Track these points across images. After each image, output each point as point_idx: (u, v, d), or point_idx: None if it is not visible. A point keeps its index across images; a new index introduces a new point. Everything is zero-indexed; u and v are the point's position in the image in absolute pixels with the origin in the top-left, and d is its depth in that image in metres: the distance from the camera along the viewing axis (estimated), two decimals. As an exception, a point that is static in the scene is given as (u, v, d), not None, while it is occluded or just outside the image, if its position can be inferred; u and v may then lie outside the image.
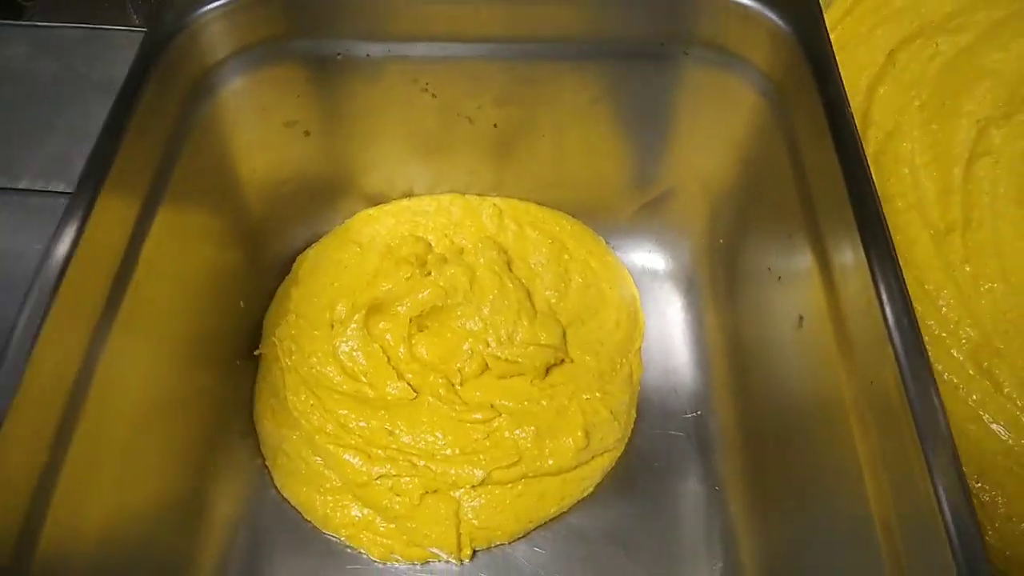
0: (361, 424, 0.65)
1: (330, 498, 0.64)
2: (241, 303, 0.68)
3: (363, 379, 0.68)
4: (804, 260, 0.52)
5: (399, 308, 0.69)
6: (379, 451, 0.64)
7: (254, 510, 0.64)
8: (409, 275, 0.71)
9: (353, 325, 0.68)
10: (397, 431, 0.65)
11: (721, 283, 0.70)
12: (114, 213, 0.50)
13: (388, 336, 0.69)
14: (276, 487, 0.65)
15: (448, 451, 0.64)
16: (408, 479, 0.63)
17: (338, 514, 0.63)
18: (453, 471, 0.63)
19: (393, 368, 0.68)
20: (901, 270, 0.43)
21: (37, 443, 0.43)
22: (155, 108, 0.55)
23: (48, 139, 0.78)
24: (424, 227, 0.76)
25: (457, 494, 0.63)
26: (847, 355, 0.46)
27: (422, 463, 0.63)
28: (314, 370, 0.68)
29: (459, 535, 0.62)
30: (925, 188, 0.69)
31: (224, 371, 0.67)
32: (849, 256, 0.46)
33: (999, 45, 0.77)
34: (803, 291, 0.52)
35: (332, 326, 0.70)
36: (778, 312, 0.57)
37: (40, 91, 0.76)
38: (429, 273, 0.71)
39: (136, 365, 0.52)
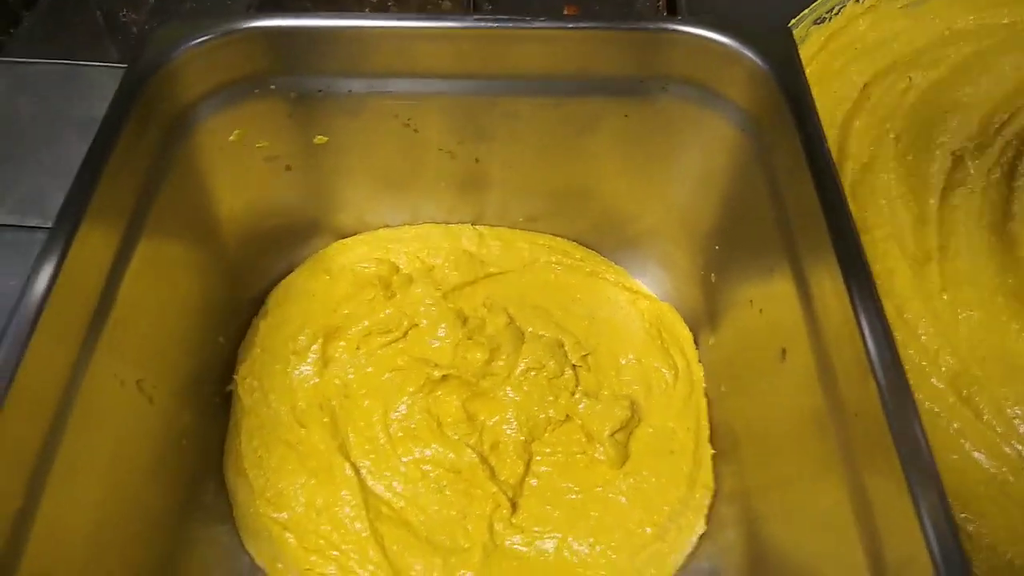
0: (301, 499, 0.62)
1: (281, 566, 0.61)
2: (220, 339, 0.68)
3: (315, 425, 0.65)
4: (786, 293, 0.53)
5: (355, 330, 0.68)
6: (316, 538, 0.61)
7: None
8: (371, 297, 0.70)
9: (311, 355, 0.67)
10: (344, 508, 0.62)
11: (703, 316, 0.70)
12: (93, 248, 0.49)
13: (345, 356, 0.68)
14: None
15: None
16: None
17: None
18: None
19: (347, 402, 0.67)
20: (881, 302, 0.44)
21: (12, 485, 0.43)
22: (134, 144, 0.54)
23: (24, 175, 0.78)
24: (396, 252, 0.75)
25: None
26: (830, 387, 0.46)
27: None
28: (271, 408, 0.66)
29: None
30: (902, 218, 0.70)
31: (204, 411, 0.65)
32: (829, 288, 0.47)
33: (969, 80, 0.79)
34: (785, 324, 0.53)
35: (290, 358, 0.68)
36: (761, 345, 0.57)
37: (17, 128, 0.76)
38: (394, 295, 0.71)
39: (114, 405, 0.51)
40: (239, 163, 0.65)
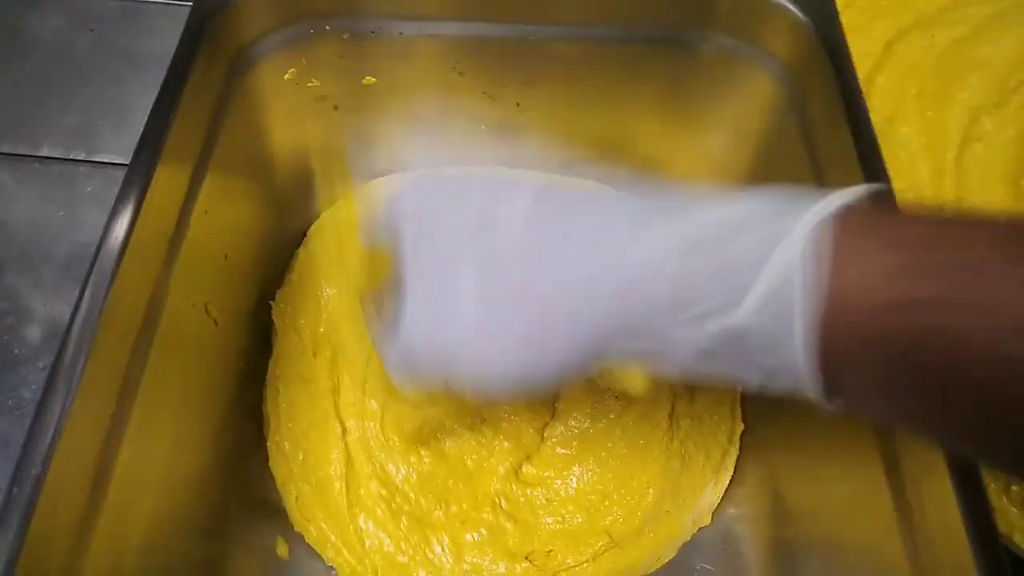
0: (299, 453, 0.63)
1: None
2: (272, 270, 0.71)
3: (323, 355, 0.66)
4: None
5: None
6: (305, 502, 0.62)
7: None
8: None
9: (340, 280, 0.69)
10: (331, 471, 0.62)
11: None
12: (170, 181, 0.52)
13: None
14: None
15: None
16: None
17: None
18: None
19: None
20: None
21: (107, 404, 0.46)
22: (202, 81, 0.57)
23: (73, 109, 0.80)
24: None
25: None
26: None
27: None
28: (297, 334, 0.68)
29: None
30: (921, 171, 0.73)
31: (260, 338, 0.69)
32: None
33: (990, 39, 0.81)
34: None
35: (321, 282, 0.70)
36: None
37: (71, 63, 0.77)
38: None
39: (187, 325, 0.55)
40: (292, 101, 0.68)
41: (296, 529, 0.62)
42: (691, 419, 0.66)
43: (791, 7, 0.60)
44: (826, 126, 0.57)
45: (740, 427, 0.67)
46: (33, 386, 0.64)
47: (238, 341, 0.64)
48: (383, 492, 0.61)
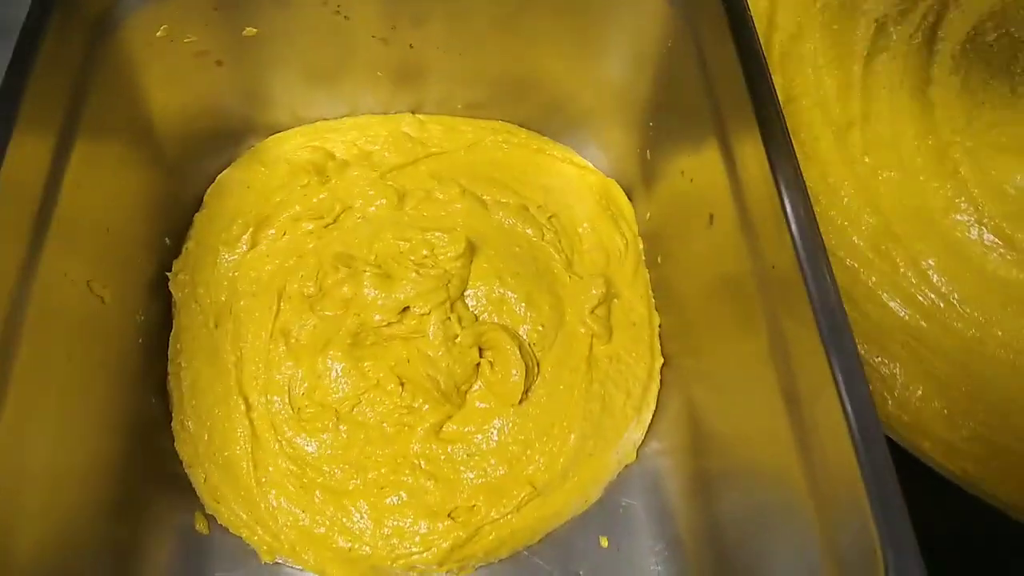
0: (204, 432, 0.61)
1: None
2: (167, 240, 0.68)
3: (224, 327, 0.65)
4: (713, 161, 0.55)
5: (285, 216, 0.68)
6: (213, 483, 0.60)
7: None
8: (305, 183, 0.70)
9: (241, 244, 0.67)
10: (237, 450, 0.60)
11: (641, 191, 0.73)
12: (29, 150, 0.50)
13: (268, 245, 0.67)
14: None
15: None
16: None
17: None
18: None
19: (276, 295, 0.65)
20: (798, 163, 0.46)
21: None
22: (58, 47, 0.53)
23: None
24: (332, 141, 0.74)
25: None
26: (751, 245, 0.49)
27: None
28: (198, 304, 0.66)
29: None
30: (827, 86, 0.72)
31: (161, 311, 0.67)
32: (751, 153, 0.49)
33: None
34: (712, 190, 0.55)
35: (220, 248, 0.68)
36: (691, 212, 0.60)
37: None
38: (328, 180, 0.70)
39: (67, 304, 0.53)
40: (168, 60, 0.64)
41: (208, 510, 0.61)
42: (609, 359, 0.66)
43: (674, -77, 0.57)
44: (716, 48, 0.55)
45: (659, 361, 0.66)
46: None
47: (135, 316, 0.62)
48: (292, 468, 0.60)
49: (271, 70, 0.70)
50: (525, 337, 0.64)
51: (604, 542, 0.61)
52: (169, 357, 0.65)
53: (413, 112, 0.76)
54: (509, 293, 0.65)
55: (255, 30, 0.66)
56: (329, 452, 0.61)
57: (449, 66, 0.72)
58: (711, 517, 0.56)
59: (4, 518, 0.45)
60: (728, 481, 0.56)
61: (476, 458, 0.61)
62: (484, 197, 0.71)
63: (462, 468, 0.61)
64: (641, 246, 0.72)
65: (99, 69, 0.58)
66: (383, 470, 0.60)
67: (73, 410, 0.53)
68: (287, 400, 0.62)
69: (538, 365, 0.64)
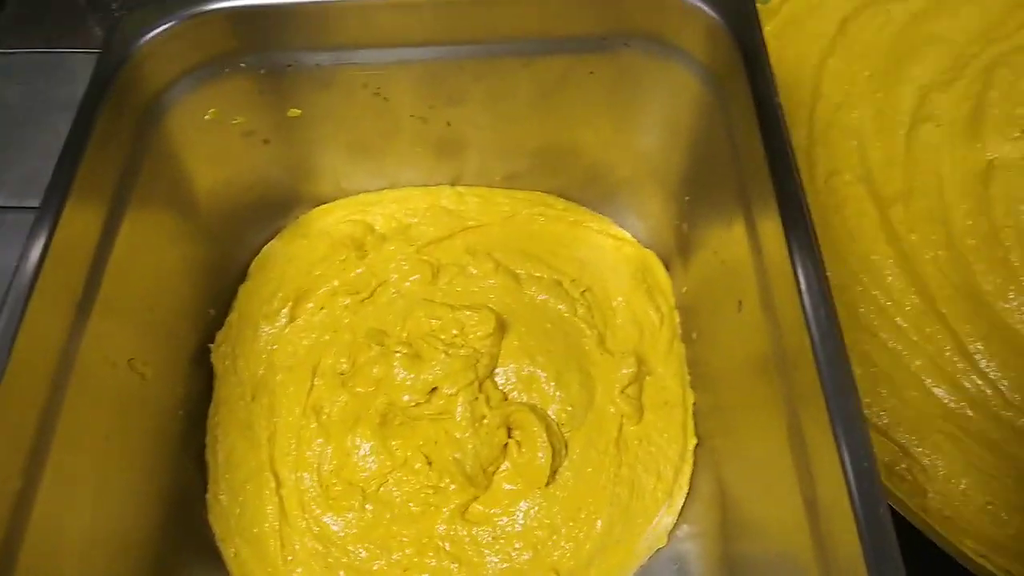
0: (236, 507, 0.62)
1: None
2: (211, 311, 0.71)
3: (261, 402, 0.66)
4: (740, 242, 0.54)
5: (324, 291, 0.69)
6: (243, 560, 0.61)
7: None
8: (344, 257, 0.71)
9: (280, 318, 0.68)
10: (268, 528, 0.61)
11: (677, 265, 0.72)
12: (79, 226, 0.52)
13: (305, 320, 0.69)
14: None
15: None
16: None
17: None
18: None
19: (311, 371, 0.66)
20: (819, 254, 0.45)
21: (12, 465, 0.46)
22: (110, 128, 0.56)
23: (20, 158, 0.81)
24: (373, 214, 0.75)
25: None
26: (775, 337, 0.48)
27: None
28: (237, 376, 0.67)
29: None
30: (872, 159, 0.70)
31: (202, 383, 0.69)
32: (773, 238, 0.48)
33: (949, 11, 0.78)
34: (741, 273, 0.54)
35: (260, 322, 0.69)
36: (722, 293, 0.59)
37: (8, 114, 0.78)
38: (366, 254, 0.71)
39: (108, 384, 0.55)
40: (217, 140, 0.67)
41: None
42: (639, 440, 0.64)
43: (705, 8, 0.58)
44: (744, 127, 0.55)
45: (693, 441, 0.65)
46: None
47: (175, 389, 0.64)
48: (319, 547, 0.60)
49: (316, 146, 0.72)
50: (554, 417, 0.64)
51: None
52: (208, 428, 0.66)
53: (452, 184, 0.78)
54: (539, 372, 0.65)
55: (299, 111, 0.68)
56: (355, 531, 0.61)
57: (487, 140, 0.73)
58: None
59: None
60: (756, 568, 0.54)
61: (501, 542, 0.61)
62: (518, 271, 0.71)
63: (486, 551, 0.60)
64: (677, 320, 0.71)
65: (149, 147, 0.61)
66: (407, 551, 0.60)
67: (110, 483, 0.55)
68: (316, 478, 0.63)
69: (566, 447, 0.63)
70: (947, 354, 0.60)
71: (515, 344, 0.66)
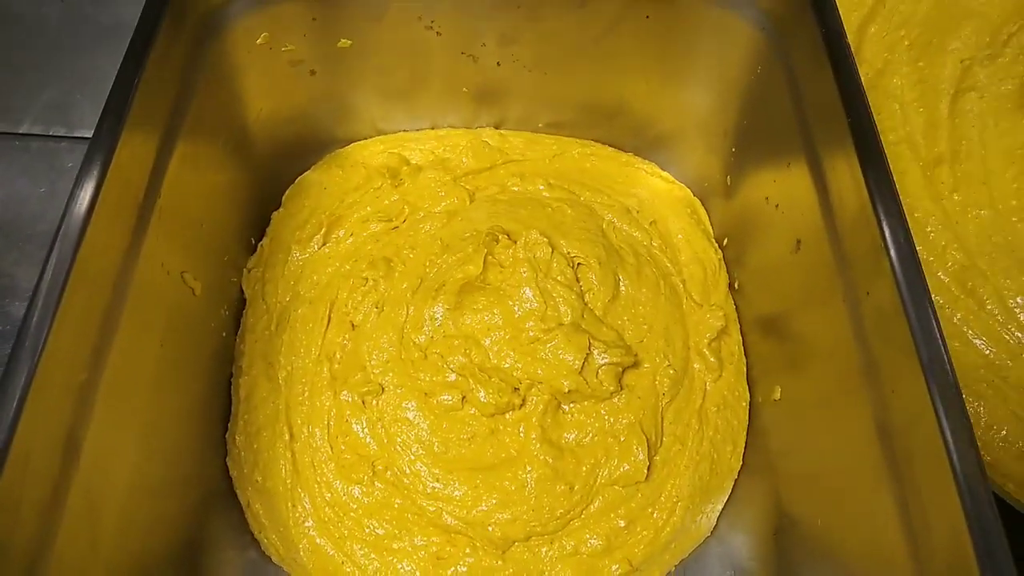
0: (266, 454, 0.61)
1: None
2: (252, 238, 0.70)
3: (283, 334, 0.65)
4: (802, 186, 0.55)
5: (356, 216, 0.68)
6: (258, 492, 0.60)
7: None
8: (379, 186, 0.70)
9: (312, 244, 0.67)
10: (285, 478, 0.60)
11: (718, 215, 0.73)
12: (137, 142, 0.51)
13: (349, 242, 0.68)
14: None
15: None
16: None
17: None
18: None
19: (328, 306, 0.65)
20: (896, 188, 0.46)
21: (79, 356, 0.45)
22: (168, 48, 0.55)
23: (50, 82, 0.79)
24: (411, 149, 0.75)
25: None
26: (843, 271, 0.49)
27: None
28: (264, 302, 0.66)
29: None
30: (914, 123, 0.71)
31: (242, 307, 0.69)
32: (846, 178, 0.49)
33: (985, -14, 0.79)
34: (801, 216, 0.55)
35: (292, 248, 0.69)
36: (776, 239, 0.60)
37: (43, 36, 0.76)
38: (402, 183, 0.71)
39: (162, 292, 0.54)
40: (266, 66, 0.66)
41: (255, 535, 0.61)
42: (717, 407, 0.64)
43: (771, -48, 0.58)
44: (810, 71, 0.55)
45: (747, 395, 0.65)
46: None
47: (220, 310, 0.64)
48: (330, 513, 0.59)
49: (361, 82, 0.72)
50: (658, 384, 0.63)
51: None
52: (234, 356, 0.66)
53: (494, 128, 0.78)
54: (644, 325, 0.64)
55: (349, 42, 0.68)
56: (367, 504, 0.60)
57: (534, 85, 0.73)
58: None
59: (92, 501, 0.46)
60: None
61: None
62: (580, 196, 0.71)
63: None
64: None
65: (203, 70, 0.60)
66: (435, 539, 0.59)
67: (161, 395, 0.54)
68: (326, 435, 0.62)
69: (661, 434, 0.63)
70: (988, 307, 0.61)
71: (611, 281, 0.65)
